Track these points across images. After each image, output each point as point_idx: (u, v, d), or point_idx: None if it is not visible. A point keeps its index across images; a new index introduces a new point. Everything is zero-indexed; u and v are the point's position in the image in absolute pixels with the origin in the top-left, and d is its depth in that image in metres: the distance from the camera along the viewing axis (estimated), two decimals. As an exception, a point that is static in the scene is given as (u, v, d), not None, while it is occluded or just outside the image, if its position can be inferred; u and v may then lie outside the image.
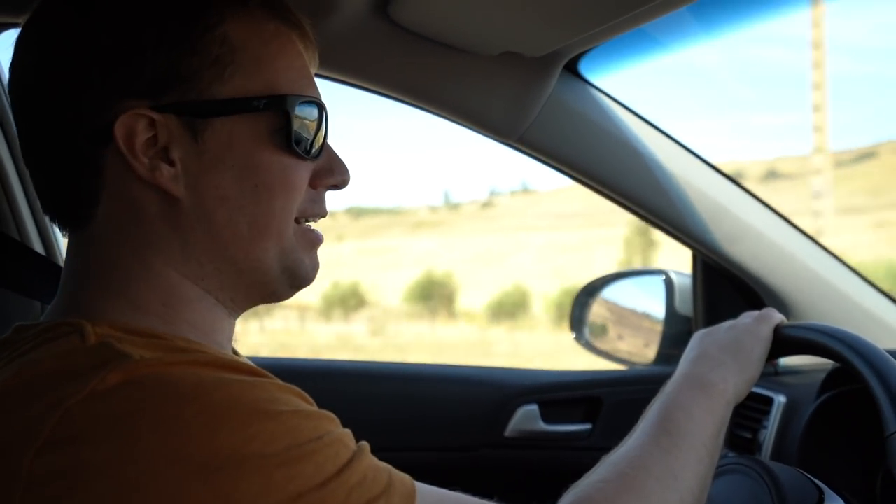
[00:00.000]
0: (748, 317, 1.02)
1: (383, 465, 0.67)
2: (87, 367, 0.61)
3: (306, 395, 0.67)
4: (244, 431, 0.59)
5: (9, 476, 0.58)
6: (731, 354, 0.94)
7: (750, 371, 0.94)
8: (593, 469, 0.81)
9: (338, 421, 0.66)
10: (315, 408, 0.66)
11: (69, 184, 0.72)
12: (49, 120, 0.71)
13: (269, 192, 0.72)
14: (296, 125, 0.73)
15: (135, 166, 0.69)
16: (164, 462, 0.57)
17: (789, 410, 1.34)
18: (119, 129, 0.68)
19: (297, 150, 0.73)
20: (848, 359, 0.89)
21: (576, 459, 1.66)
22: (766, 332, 0.98)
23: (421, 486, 0.69)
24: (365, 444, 0.67)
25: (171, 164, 0.70)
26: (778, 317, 1.01)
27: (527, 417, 1.60)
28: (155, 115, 0.69)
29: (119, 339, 0.64)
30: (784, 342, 0.98)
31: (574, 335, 1.81)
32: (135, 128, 0.69)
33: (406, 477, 0.68)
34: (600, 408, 1.64)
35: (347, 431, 0.66)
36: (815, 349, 0.95)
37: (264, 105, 0.72)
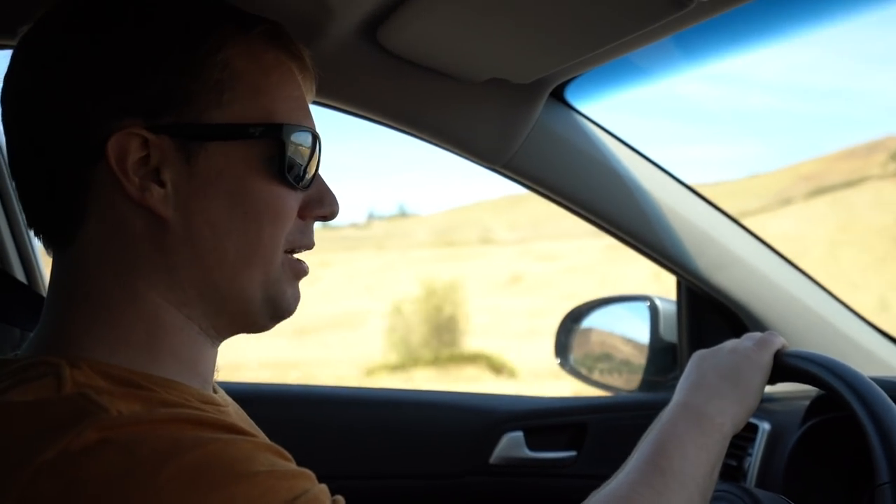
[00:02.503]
0: (749, 339, 0.98)
1: None
2: (61, 421, 0.59)
3: (284, 452, 0.66)
4: (219, 494, 0.58)
5: None
6: (730, 384, 0.90)
7: (748, 402, 0.90)
8: None
9: (314, 477, 0.65)
10: (292, 465, 0.65)
11: (57, 199, 0.71)
12: (42, 135, 0.70)
13: (258, 220, 0.72)
14: (290, 154, 0.73)
15: (125, 185, 0.69)
16: None
17: (774, 437, 1.34)
18: (112, 148, 0.68)
19: (289, 179, 0.73)
20: (848, 400, 0.86)
21: (561, 487, 1.66)
22: (766, 360, 0.94)
23: None
24: (340, 499, 0.66)
25: (162, 185, 0.70)
26: (779, 341, 0.97)
27: (512, 444, 1.59)
28: (149, 136, 0.69)
29: (98, 389, 0.62)
30: (784, 370, 0.95)
31: (559, 361, 1.81)
32: (127, 147, 0.68)
33: None
34: (585, 434, 1.63)
35: (323, 488, 0.65)
36: (814, 382, 0.92)
37: (260, 133, 0.72)
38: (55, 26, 0.72)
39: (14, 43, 0.74)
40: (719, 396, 0.89)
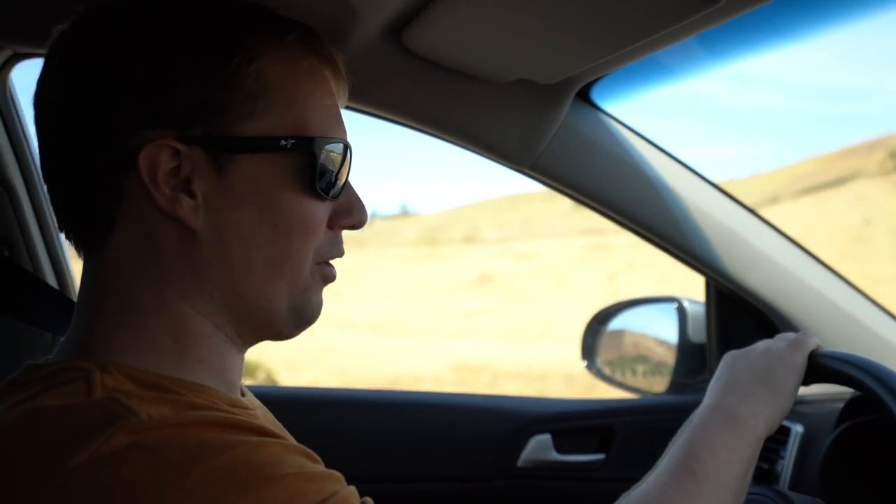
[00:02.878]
0: (783, 340, 0.96)
1: None
2: (90, 425, 0.59)
3: (313, 454, 0.66)
4: (248, 497, 0.58)
5: None
6: (763, 385, 0.89)
7: (782, 404, 0.88)
8: None
9: (343, 479, 0.65)
10: (321, 467, 0.65)
11: (88, 206, 0.72)
12: (74, 142, 0.71)
13: (288, 233, 0.72)
14: (321, 165, 0.73)
15: (155, 196, 0.69)
16: None
17: (807, 440, 1.32)
18: (143, 159, 0.68)
19: (320, 191, 0.73)
20: (885, 401, 0.84)
21: (589, 490, 1.64)
22: (800, 361, 0.92)
23: None
24: (369, 501, 0.66)
25: (192, 196, 0.70)
26: (813, 342, 0.95)
27: (540, 447, 1.58)
28: (181, 147, 0.69)
29: (127, 393, 0.63)
30: (818, 371, 0.93)
31: (585, 363, 1.80)
32: (158, 158, 0.68)
33: None
34: (613, 437, 1.62)
35: (352, 489, 0.65)
36: (850, 383, 0.90)
37: (292, 145, 0.71)
38: (87, 34, 0.72)
39: (40, 52, 0.75)
40: (752, 398, 0.87)
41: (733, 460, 0.82)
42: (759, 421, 0.86)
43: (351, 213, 0.77)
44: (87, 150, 0.70)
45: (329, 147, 0.74)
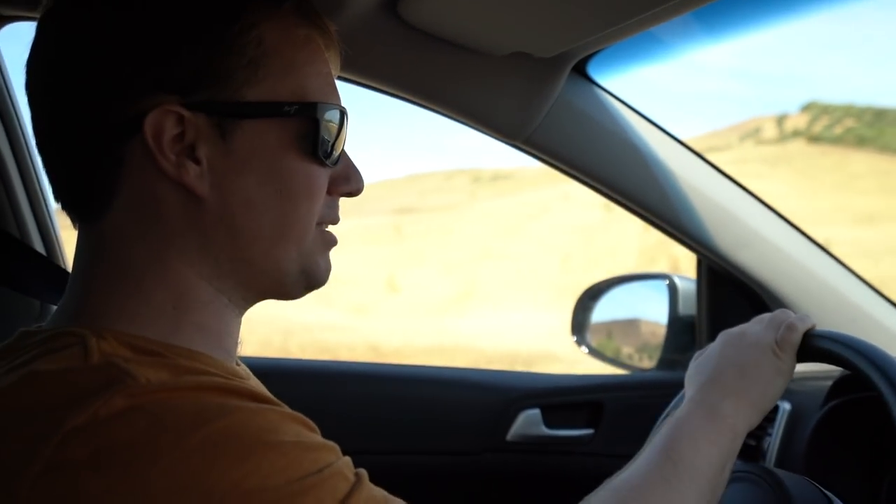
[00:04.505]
0: (772, 328, 0.92)
1: (380, 492, 0.66)
2: (89, 388, 0.59)
3: (310, 423, 0.66)
4: (245, 463, 0.58)
5: (3, 499, 0.57)
6: (748, 383, 0.88)
7: (764, 405, 0.88)
8: (593, 493, 0.80)
9: (338, 450, 0.66)
10: (317, 437, 0.65)
11: (88, 173, 0.71)
12: (74, 108, 0.70)
13: (293, 198, 0.73)
14: (322, 133, 0.73)
15: (160, 162, 0.69)
16: (165, 493, 0.56)
17: (794, 418, 1.33)
18: (149, 124, 0.68)
19: (321, 157, 0.74)
20: (875, 382, 0.85)
21: (578, 464, 1.65)
22: (791, 365, 0.91)
23: None
24: (363, 473, 0.66)
25: (197, 162, 0.70)
26: (807, 325, 0.93)
27: (529, 422, 1.59)
28: (185, 113, 0.68)
29: (124, 358, 0.63)
30: (810, 351, 0.92)
31: (575, 339, 1.80)
32: (163, 123, 0.68)
33: (401, 502, 0.67)
34: (602, 412, 1.63)
35: (347, 460, 0.65)
36: (840, 363, 0.90)
37: (295, 111, 0.72)
38: None
39: (37, 14, 0.73)
40: (734, 397, 0.87)
41: (713, 453, 0.83)
42: (739, 419, 0.86)
43: (349, 179, 0.79)
44: (88, 116, 0.69)
45: (329, 113, 0.74)
